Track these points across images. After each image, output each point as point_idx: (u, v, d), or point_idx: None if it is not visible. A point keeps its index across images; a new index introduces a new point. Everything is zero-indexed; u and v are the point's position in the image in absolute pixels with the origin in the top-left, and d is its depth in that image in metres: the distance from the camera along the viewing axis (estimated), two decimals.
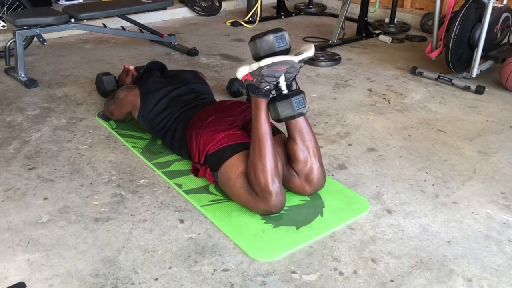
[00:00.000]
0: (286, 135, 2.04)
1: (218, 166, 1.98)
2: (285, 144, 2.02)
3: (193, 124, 2.14)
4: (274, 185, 1.83)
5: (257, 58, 1.81)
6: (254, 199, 1.88)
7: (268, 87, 1.83)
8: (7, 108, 2.92)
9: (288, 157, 2.00)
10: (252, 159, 1.85)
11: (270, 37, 1.77)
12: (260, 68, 1.78)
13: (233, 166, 1.93)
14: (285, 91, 1.87)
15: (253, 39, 1.80)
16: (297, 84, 1.97)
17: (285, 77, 1.86)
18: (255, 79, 1.83)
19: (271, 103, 1.87)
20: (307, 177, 1.98)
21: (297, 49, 1.88)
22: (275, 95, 1.89)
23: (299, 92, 1.89)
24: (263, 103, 1.87)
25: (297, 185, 2.00)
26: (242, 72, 1.86)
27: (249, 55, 3.96)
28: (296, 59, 1.78)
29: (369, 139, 2.61)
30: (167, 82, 2.48)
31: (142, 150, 2.43)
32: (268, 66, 1.76)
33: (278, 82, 1.85)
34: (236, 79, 3.09)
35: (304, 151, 1.95)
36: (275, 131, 2.15)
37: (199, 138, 2.06)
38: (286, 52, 1.81)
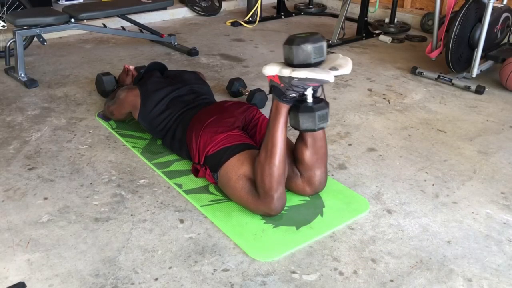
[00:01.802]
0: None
1: (218, 167, 1.98)
2: (295, 144, 1.99)
3: (193, 124, 2.14)
4: (277, 191, 1.84)
5: (290, 64, 1.71)
6: (255, 201, 1.88)
7: (294, 95, 1.75)
8: (7, 108, 2.92)
9: (294, 156, 1.98)
10: (261, 160, 1.82)
11: (308, 48, 1.65)
12: (291, 78, 1.68)
13: (234, 167, 1.93)
14: (310, 102, 1.76)
15: (290, 43, 1.68)
16: (323, 92, 1.87)
17: (313, 87, 1.76)
18: (282, 84, 1.74)
19: (293, 110, 1.79)
20: (310, 179, 1.98)
21: (332, 61, 1.75)
22: (298, 102, 1.79)
23: (324, 106, 1.78)
24: (284, 108, 1.79)
25: (298, 185, 2.00)
26: (269, 71, 1.76)
27: (249, 55, 3.97)
28: (331, 77, 1.65)
29: (369, 139, 2.61)
30: (168, 82, 2.48)
31: (142, 150, 2.43)
32: (301, 79, 1.67)
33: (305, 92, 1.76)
34: (236, 79, 3.09)
35: (313, 157, 1.92)
36: None
37: (199, 139, 2.06)
38: (321, 63, 1.71)
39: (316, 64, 1.69)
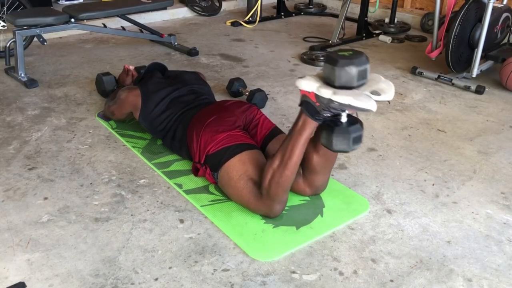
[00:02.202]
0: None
1: (219, 167, 1.98)
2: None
3: (194, 124, 2.14)
4: (282, 198, 1.85)
5: (330, 84, 1.60)
6: (256, 201, 1.88)
7: (328, 114, 1.66)
8: (7, 108, 2.92)
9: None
10: (273, 167, 1.78)
11: (353, 71, 1.55)
12: (332, 101, 1.58)
13: (235, 167, 1.92)
14: (344, 122, 1.65)
15: (332, 63, 1.56)
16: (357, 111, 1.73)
17: None
18: (318, 103, 1.63)
19: (326, 130, 1.67)
20: (312, 182, 1.98)
21: (373, 83, 1.64)
22: (332, 122, 1.68)
23: (359, 128, 1.67)
24: (313, 125, 1.71)
25: (299, 185, 2.00)
26: (305, 86, 1.65)
27: (249, 55, 3.97)
28: (374, 107, 1.55)
29: (369, 139, 2.61)
30: (168, 83, 2.48)
31: (142, 150, 2.43)
32: (342, 104, 1.57)
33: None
34: (236, 79, 3.09)
35: (322, 163, 1.90)
36: (278, 131, 2.15)
37: (199, 138, 2.06)
38: (362, 85, 1.62)
39: (358, 87, 1.60)
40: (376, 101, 1.57)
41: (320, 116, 1.67)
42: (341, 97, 1.54)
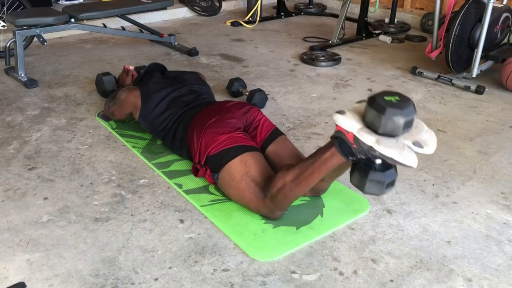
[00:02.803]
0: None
1: (219, 168, 1.97)
2: None
3: (194, 124, 2.14)
4: (285, 207, 1.88)
5: (372, 128, 1.50)
6: (257, 201, 1.88)
7: (363, 157, 1.56)
8: (7, 108, 2.92)
9: None
10: (286, 178, 1.75)
11: (400, 121, 1.44)
12: (373, 149, 1.48)
13: (237, 168, 1.92)
14: (379, 167, 1.56)
15: (379, 110, 1.45)
16: None
17: None
18: (355, 146, 1.53)
19: (359, 171, 1.58)
20: (316, 187, 1.95)
21: (416, 131, 1.54)
22: (365, 164, 1.58)
23: (394, 173, 1.58)
24: (341, 161, 1.63)
25: None
26: (345, 125, 1.54)
27: (249, 55, 3.97)
28: (415, 163, 1.46)
29: None
30: (168, 83, 2.48)
31: (142, 150, 2.43)
32: (384, 156, 1.47)
33: None
34: (236, 79, 3.09)
35: (331, 175, 1.87)
36: (278, 133, 2.15)
37: (200, 140, 2.06)
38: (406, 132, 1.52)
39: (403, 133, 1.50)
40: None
41: (353, 156, 1.58)
42: (385, 149, 1.46)
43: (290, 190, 1.76)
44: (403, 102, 1.47)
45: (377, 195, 1.64)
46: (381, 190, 1.57)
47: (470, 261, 1.73)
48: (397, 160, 1.45)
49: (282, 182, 1.76)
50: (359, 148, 1.52)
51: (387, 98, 1.48)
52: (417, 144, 1.49)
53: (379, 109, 1.45)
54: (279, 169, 1.86)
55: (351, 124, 1.52)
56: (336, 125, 1.58)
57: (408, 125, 1.47)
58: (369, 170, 1.55)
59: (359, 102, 1.61)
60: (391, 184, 1.58)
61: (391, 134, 1.47)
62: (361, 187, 1.59)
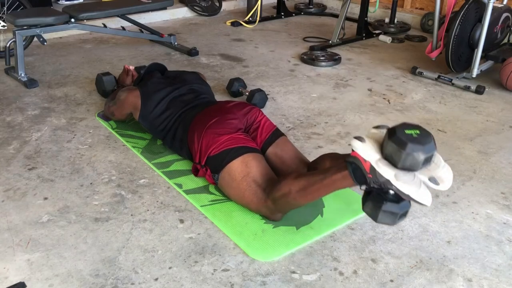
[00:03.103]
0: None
1: (220, 168, 1.97)
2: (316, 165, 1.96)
3: (195, 125, 2.14)
4: (286, 211, 1.89)
5: (390, 161, 1.47)
6: (258, 202, 1.88)
7: (376, 187, 1.54)
8: (7, 108, 2.92)
9: (309, 169, 1.99)
10: (291, 186, 1.74)
11: (420, 158, 1.42)
12: (390, 183, 1.46)
13: (237, 169, 1.92)
14: (392, 197, 1.53)
15: (400, 145, 1.43)
16: None
17: None
18: (371, 175, 1.51)
19: (372, 200, 1.56)
20: None
21: (434, 166, 1.51)
22: (378, 194, 1.56)
23: (408, 205, 1.55)
24: (351, 185, 1.61)
25: None
26: (363, 153, 1.52)
27: (249, 55, 3.97)
28: (430, 202, 1.46)
29: None
30: (168, 82, 2.48)
31: (142, 150, 2.43)
32: (401, 192, 1.47)
33: None
34: (236, 79, 3.09)
35: None
36: (279, 134, 2.15)
37: (201, 140, 2.06)
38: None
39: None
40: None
41: (366, 185, 1.56)
42: (402, 185, 1.44)
43: (294, 199, 1.75)
44: (424, 137, 1.45)
45: (389, 225, 1.63)
46: (394, 221, 1.56)
47: (470, 261, 1.73)
48: (413, 198, 1.45)
49: (288, 189, 1.75)
50: (375, 178, 1.50)
51: (407, 131, 1.46)
52: (433, 180, 1.48)
53: (399, 143, 1.43)
54: (286, 174, 1.86)
55: (370, 154, 1.50)
56: (352, 150, 1.55)
57: (427, 161, 1.46)
58: (383, 201, 1.53)
59: (377, 127, 1.59)
60: (404, 215, 1.56)
61: (409, 169, 1.46)
62: (373, 216, 1.57)
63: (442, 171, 1.50)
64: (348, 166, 1.58)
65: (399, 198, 1.52)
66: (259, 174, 1.90)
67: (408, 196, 1.45)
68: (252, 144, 2.02)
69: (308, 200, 1.76)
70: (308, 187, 1.70)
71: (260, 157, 1.98)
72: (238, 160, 1.93)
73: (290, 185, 1.74)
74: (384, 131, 1.54)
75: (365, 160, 1.51)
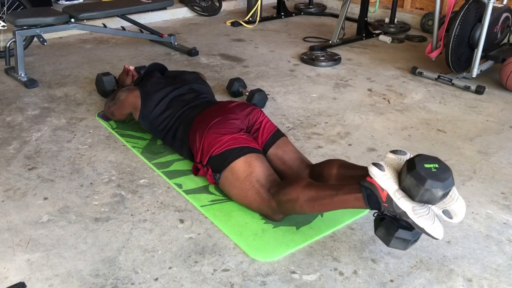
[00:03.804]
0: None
1: (223, 168, 1.97)
2: (322, 170, 1.96)
3: (197, 124, 2.14)
4: (289, 214, 1.89)
5: (407, 193, 1.49)
6: (261, 202, 1.88)
7: (389, 214, 1.56)
8: (7, 108, 2.92)
9: (313, 174, 1.99)
10: (300, 193, 1.74)
11: (439, 193, 1.44)
12: (406, 215, 1.48)
13: (240, 168, 1.92)
14: (405, 223, 1.56)
15: (420, 180, 1.44)
16: None
17: None
18: (386, 205, 1.53)
19: (385, 227, 1.58)
20: None
21: (449, 199, 1.54)
22: (391, 222, 1.58)
23: (419, 233, 1.58)
24: (362, 207, 1.62)
25: None
26: (382, 182, 1.52)
27: (249, 55, 3.97)
28: (442, 235, 1.49)
29: (369, 139, 2.61)
30: (168, 82, 2.48)
31: (142, 150, 2.43)
32: (415, 224, 1.49)
33: None
34: (236, 79, 3.09)
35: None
36: (279, 135, 2.15)
37: (203, 140, 2.05)
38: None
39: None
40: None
41: (379, 212, 1.59)
42: (418, 219, 1.47)
43: (301, 207, 1.75)
44: (443, 172, 1.46)
45: (401, 250, 1.65)
46: (406, 247, 1.60)
47: (470, 261, 1.73)
48: (427, 231, 1.47)
49: (296, 196, 1.75)
50: (390, 208, 1.52)
51: (426, 165, 1.47)
52: (447, 213, 1.52)
53: (419, 178, 1.44)
54: (295, 177, 1.88)
55: (389, 185, 1.51)
56: (369, 175, 1.56)
57: (445, 196, 1.49)
58: (396, 228, 1.55)
59: (394, 152, 1.60)
60: (416, 241, 1.60)
61: (426, 203, 1.49)
62: (386, 242, 1.60)
63: (456, 204, 1.53)
64: (363, 190, 1.59)
65: (412, 226, 1.54)
66: (262, 174, 1.90)
67: (422, 229, 1.48)
68: (254, 144, 2.02)
69: (315, 211, 1.77)
70: (317, 200, 1.71)
71: (262, 157, 1.98)
72: (241, 159, 1.93)
73: (299, 193, 1.74)
74: (402, 157, 1.57)
75: (382, 189, 1.52)
